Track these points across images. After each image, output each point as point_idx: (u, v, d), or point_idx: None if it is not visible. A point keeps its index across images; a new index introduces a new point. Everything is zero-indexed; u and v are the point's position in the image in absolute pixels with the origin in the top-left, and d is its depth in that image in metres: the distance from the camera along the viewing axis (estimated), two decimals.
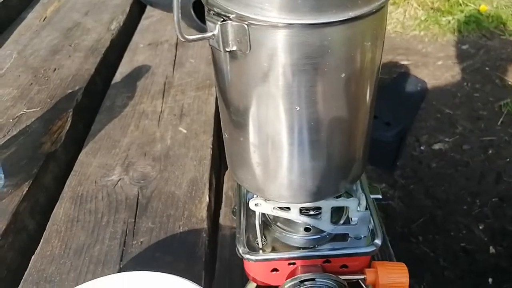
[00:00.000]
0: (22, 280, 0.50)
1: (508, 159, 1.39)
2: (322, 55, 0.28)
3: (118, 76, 0.86)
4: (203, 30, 0.87)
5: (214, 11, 0.29)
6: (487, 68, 1.83)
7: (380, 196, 0.45)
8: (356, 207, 0.39)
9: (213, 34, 0.29)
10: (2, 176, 0.59)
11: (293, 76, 0.29)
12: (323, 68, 0.29)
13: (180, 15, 0.27)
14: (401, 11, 2.22)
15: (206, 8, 0.30)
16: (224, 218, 0.58)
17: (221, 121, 0.38)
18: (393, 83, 1.70)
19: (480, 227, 1.20)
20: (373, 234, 0.41)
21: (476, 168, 1.38)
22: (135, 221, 0.56)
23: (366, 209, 0.39)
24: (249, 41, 0.28)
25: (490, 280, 1.07)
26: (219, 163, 0.68)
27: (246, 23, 0.27)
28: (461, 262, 1.12)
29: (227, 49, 0.29)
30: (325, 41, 0.27)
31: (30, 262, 0.52)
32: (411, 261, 1.14)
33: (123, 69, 0.88)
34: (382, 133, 1.47)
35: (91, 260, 0.52)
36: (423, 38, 2.08)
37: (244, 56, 0.30)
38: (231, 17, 0.28)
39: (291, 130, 0.33)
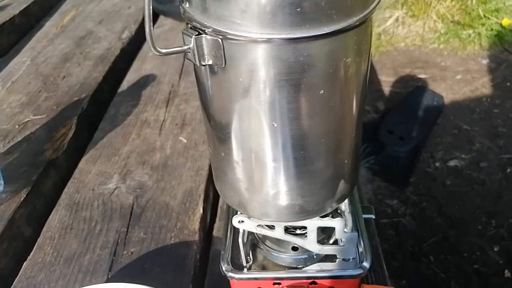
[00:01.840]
0: (11, 287, 0.50)
1: None
2: (299, 72, 0.27)
3: (125, 84, 0.87)
4: None
5: (191, 24, 0.28)
6: (508, 84, 1.78)
7: (373, 216, 0.43)
8: (343, 228, 0.37)
9: (189, 48, 0.28)
10: (2, 182, 0.60)
11: (270, 92, 0.28)
12: (300, 84, 0.28)
13: (152, 27, 0.27)
14: (420, 24, 2.19)
15: (186, 22, 0.30)
16: (218, 232, 0.57)
17: (206, 136, 0.37)
18: (409, 97, 1.67)
19: (495, 249, 1.15)
20: (362, 256, 0.39)
21: (493, 187, 1.34)
22: (127, 231, 0.55)
23: (355, 230, 0.38)
24: (224, 55, 0.27)
25: None
26: None
27: (221, 37, 0.27)
28: (473, 285, 1.08)
29: (202, 63, 0.29)
30: (301, 57, 0.26)
31: (21, 268, 0.52)
32: (421, 282, 1.10)
33: (130, 77, 0.89)
34: (396, 148, 1.44)
35: (80, 269, 0.51)
36: (442, 51, 2.04)
37: (222, 71, 0.29)
38: (206, 31, 0.27)
39: (273, 147, 0.32)
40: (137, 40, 1.04)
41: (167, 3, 1.15)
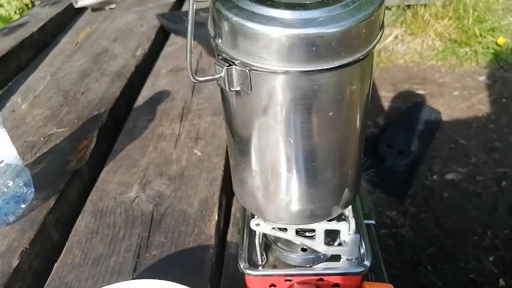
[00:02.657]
0: (46, 285, 0.55)
1: None
2: (312, 97, 0.33)
3: (140, 100, 0.92)
4: None
5: (222, 56, 0.34)
6: (503, 100, 1.84)
7: (373, 222, 0.48)
8: (347, 230, 0.43)
9: (220, 76, 0.34)
10: (32, 190, 0.65)
11: (287, 113, 0.34)
12: (313, 108, 0.33)
13: (191, 58, 0.32)
14: (419, 42, 2.26)
15: (215, 54, 0.35)
16: (231, 237, 0.62)
17: (228, 149, 0.43)
18: (408, 112, 1.73)
19: (490, 259, 1.20)
20: (363, 256, 0.44)
21: (488, 199, 1.39)
22: (149, 236, 0.60)
23: (357, 232, 0.43)
24: (250, 83, 0.33)
25: None
26: (229, 185, 0.72)
27: (248, 68, 0.32)
28: None
29: (232, 89, 0.34)
30: (314, 86, 0.32)
31: (53, 269, 0.57)
32: None
33: (145, 93, 0.94)
34: (395, 162, 1.49)
35: (107, 270, 0.56)
36: (440, 68, 2.11)
37: (247, 95, 0.34)
38: (235, 62, 0.33)
39: (288, 159, 0.37)
40: (150, 57, 1.10)
41: (178, 22, 1.22)
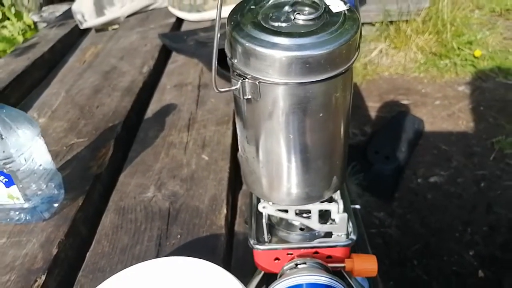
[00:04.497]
0: (81, 270, 0.64)
1: (498, 192, 1.51)
2: (307, 102, 0.43)
3: (149, 113, 1.02)
4: (223, 74, 1.04)
5: (237, 72, 0.44)
6: (481, 108, 1.97)
7: (358, 206, 0.59)
8: (337, 210, 0.53)
9: (236, 88, 0.44)
10: (63, 191, 0.74)
11: (287, 115, 0.44)
12: (307, 110, 0.44)
13: (216, 74, 0.42)
14: (402, 55, 2.40)
15: (231, 70, 0.46)
16: (238, 226, 0.71)
17: (239, 146, 0.53)
18: (393, 121, 1.85)
19: (471, 253, 1.30)
20: (350, 232, 0.54)
21: (468, 199, 1.50)
22: (167, 228, 0.70)
23: (345, 212, 0.53)
24: (259, 92, 0.43)
25: None
26: (234, 184, 0.82)
27: (258, 81, 0.43)
28: (452, 285, 1.22)
29: (245, 97, 0.44)
30: (308, 93, 0.42)
31: (86, 257, 0.66)
32: (406, 283, 1.24)
33: (153, 107, 1.04)
34: (382, 166, 1.60)
35: (133, 257, 0.65)
36: (422, 79, 2.24)
37: (256, 102, 0.45)
38: (247, 77, 0.43)
39: (288, 152, 0.47)
40: (155, 74, 1.21)
41: (179, 42, 1.33)
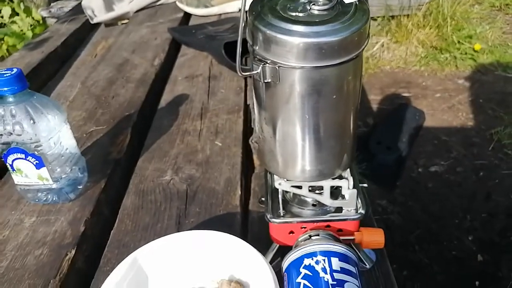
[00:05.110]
0: (107, 245, 0.69)
1: (497, 180, 1.56)
2: (321, 85, 0.48)
3: (163, 103, 1.07)
4: (231, 66, 1.09)
5: (257, 57, 0.49)
6: (480, 100, 2.02)
7: (366, 185, 0.63)
8: (347, 186, 0.57)
9: (257, 72, 0.49)
10: (86, 174, 0.79)
11: (303, 97, 0.49)
12: (322, 92, 0.48)
13: (240, 60, 0.47)
14: (404, 49, 2.44)
15: (251, 56, 0.50)
16: (252, 206, 0.76)
17: (257, 127, 0.57)
18: (394, 113, 1.90)
19: (470, 238, 1.35)
20: (359, 207, 0.59)
21: (468, 188, 1.55)
22: (186, 207, 0.74)
23: (354, 188, 0.58)
24: (279, 76, 0.48)
25: (477, 283, 1.21)
26: (246, 168, 0.87)
27: (277, 65, 0.47)
28: (452, 268, 1.28)
29: (265, 81, 0.49)
30: (323, 76, 0.47)
31: (111, 235, 0.71)
32: (408, 267, 1.29)
33: (166, 97, 1.09)
34: (384, 157, 1.65)
35: (155, 234, 0.70)
36: (423, 73, 2.29)
37: (275, 85, 0.49)
38: (267, 62, 0.48)
39: (303, 131, 0.52)
40: (167, 66, 1.25)
41: (188, 35, 1.37)
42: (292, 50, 0.46)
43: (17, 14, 2.08)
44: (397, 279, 0.64)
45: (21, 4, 2.06)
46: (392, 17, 2.45)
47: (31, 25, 2.15)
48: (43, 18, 2.14)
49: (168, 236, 0.61)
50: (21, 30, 2.12)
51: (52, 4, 2.15)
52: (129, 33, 1.48)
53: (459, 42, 2.32)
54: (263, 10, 0.48)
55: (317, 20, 0.46)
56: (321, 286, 0.49)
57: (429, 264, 1.29)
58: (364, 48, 0.49)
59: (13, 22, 2.13)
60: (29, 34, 2.06)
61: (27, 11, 2.07)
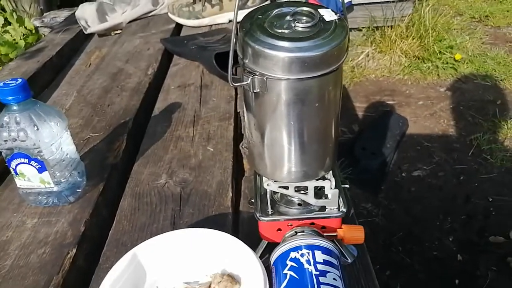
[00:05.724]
0: (106, 244, 0.73)
1: (476, 184, 1.63)
2: (305, 94, 0.53)
3: (156, 111, 1.11)
4: (222, 75, 1.15)
5: (247, 70, 0.54)
6: (461, 108, 2.10)
7: (347, 186, 0.69)
8: (330, 186, 0.63)
9: (247, 83, 0.54)
10: (85, 178, 0.83)
11: (289, 105, 0.54)
12: (305, 101, 0.54)
13: (232, 71, 0.52)
14: (388, 58, 2.53)
15: (242, 68, 0.56)
16: (243, 207, 0.81)
17: (247, 133, 0.62)
18: (378, 120, 1.97)
19: (450, 239, 1.42)
20: (341, 206, 0.64)
21: (449, 191, 1.62)
22: (180, 209, 0.79)
23: (336, 188, 0.63)
24: (266, 86, 0.53)
25: (456, 281, 1.27)
26: (237, 171, 0.92)
27: (265, 77, 0.53)
28: (433, 267, 1.34)
29: (254, 91, 0.54)
30: (306, 87, 0.53)
31: (109, 235, 0.75)
32: (391, 267, 1.35)
33: (160, 105, 1.14)
34: (369, 162, 1.71)
35: (151, 233, 0.74)
36: (406, 81, 2.37)
37: (263, 95, 0.55)
38: (256, 74, 0.53)
39: (289, 136, 0.57)
40: (160, 76, 1.30)
41: (180, 46, 1.42)
42: (278, 63, 0.51)
43: (10, 24, 2.11)
44: (380, 279, 0.69)
45: (14, 14, 2.10)
46: (377, 28, 2.53)
47: (23, 35, 2.18)
48: (36, 28, 2.18)
49: (165, 234, 0.66)
50: (14, 40, 2.15)
51: (45, 14, 2.19)
52: (123, 43, 1.53)
53: (440, 52, 2.41)
54: (252, 27, 0.53)
55: (301, 36, 0.52)
56: (305, 276, 0.54)
57: (411, 264, 1.35)
58: (343, 61, 0.54)
59: (6, 31, 2.16)
60: (22, 43, 2.09)
61: (20, 21, 2.11)
